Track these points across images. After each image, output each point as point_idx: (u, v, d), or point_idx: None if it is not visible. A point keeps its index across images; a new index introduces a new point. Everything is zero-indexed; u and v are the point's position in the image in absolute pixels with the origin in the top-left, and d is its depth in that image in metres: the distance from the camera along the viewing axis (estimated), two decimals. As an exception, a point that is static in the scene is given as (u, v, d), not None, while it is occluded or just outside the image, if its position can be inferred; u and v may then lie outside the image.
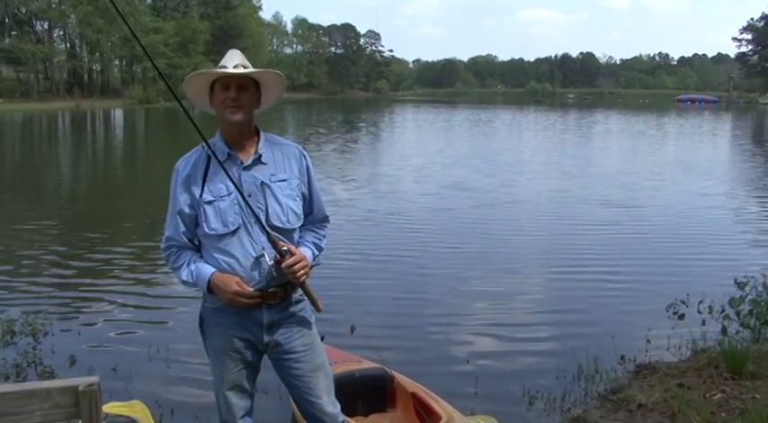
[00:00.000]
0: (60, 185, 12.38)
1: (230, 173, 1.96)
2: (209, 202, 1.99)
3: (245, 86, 2.00)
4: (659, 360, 3.86)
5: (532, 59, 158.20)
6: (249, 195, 1.98)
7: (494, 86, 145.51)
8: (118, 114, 42.49)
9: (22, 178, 13.09)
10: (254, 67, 2.04)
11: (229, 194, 1.99)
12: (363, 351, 3.52)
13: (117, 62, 65.45)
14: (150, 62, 2.04)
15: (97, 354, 4.08)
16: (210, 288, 1.98)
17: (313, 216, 2.16)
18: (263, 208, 2.00)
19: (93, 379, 1.22)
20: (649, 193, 10.74)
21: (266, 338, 2.04)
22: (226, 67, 1.98)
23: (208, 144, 1.99)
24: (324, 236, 2.19)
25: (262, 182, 2.01)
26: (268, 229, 1.96)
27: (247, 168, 2.02)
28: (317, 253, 2.13)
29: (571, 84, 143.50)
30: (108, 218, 8.94)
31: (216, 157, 1.98)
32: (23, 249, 6.86)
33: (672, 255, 6.74)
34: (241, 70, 1.99)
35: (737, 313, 3.97)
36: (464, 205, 9.23)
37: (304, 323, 2.10)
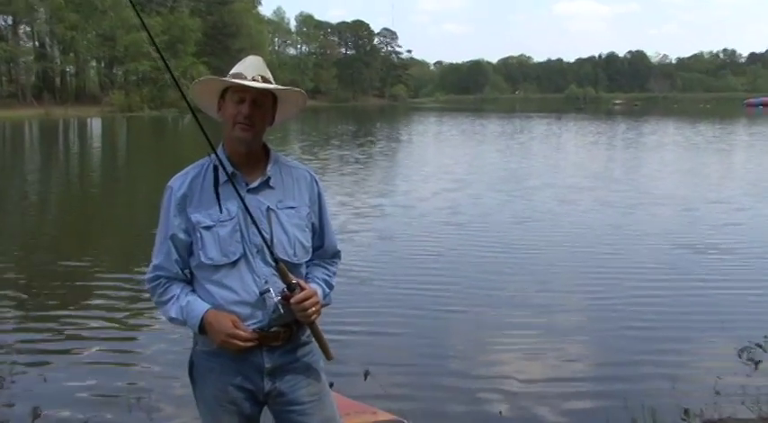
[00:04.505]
0: (26, 208, 12.44)
1: (236, 195, 1.98)
2: (208, 228, 2.01)
3: (261, 102, 2.03)
4: (732, 416, 3.78)
5: (572, 60, 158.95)
6: (252, 222, 2.00)
7: (528, 92, 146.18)
8: (95, 124, 43.28)
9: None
10: None
11: (231, 219, 2.01)
12: (379, 401, 3.51)
13: (94, 64, 66.30)
14: (169, 73, 2.07)
15: (67, 405, 4.06)
16: (203, 328, 1.99)
17: (323, 250, 2.19)
18: (268, 237, 2.01)
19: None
20: (716, 220, 10.60)
21: (267, 387, 2.04)
22: (243, 77, 2.00)
23: (219, 158, 2.01)
24: (334, 273, 2.21)
25: (268, 207, 2.04)
26: (277, 256, 1.98)
27: (253, 191, 2.04)
28: (327, 291, 2.14)
29: (618, 87, 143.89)
30: (83, 245, 9.02)
31: (226, 173, 2.01)
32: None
33: (744, 288, 6.64)
34: (261, 85, 2.00)
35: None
36: (496, 237, 9.18)
37: (311, 370, 2.10)
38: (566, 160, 20.63)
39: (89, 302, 6.25)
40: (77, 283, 6.90)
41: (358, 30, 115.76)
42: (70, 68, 63.07)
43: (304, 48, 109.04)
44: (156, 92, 58.03)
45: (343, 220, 9.84)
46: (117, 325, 5.60)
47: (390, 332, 5.41)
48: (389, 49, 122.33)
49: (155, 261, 2.08)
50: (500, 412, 4.01)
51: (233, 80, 1.99)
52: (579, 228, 9.71)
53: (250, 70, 2.01)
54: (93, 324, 5.60)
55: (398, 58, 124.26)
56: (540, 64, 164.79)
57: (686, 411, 3.87)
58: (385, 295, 6.40)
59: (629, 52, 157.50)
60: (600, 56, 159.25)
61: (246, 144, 2.03)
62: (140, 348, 5.08)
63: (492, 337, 5.32)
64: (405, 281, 6.90)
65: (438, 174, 16.37)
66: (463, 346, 5.14)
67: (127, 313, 5.91)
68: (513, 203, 11.80)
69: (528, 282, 6.85)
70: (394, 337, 5.31)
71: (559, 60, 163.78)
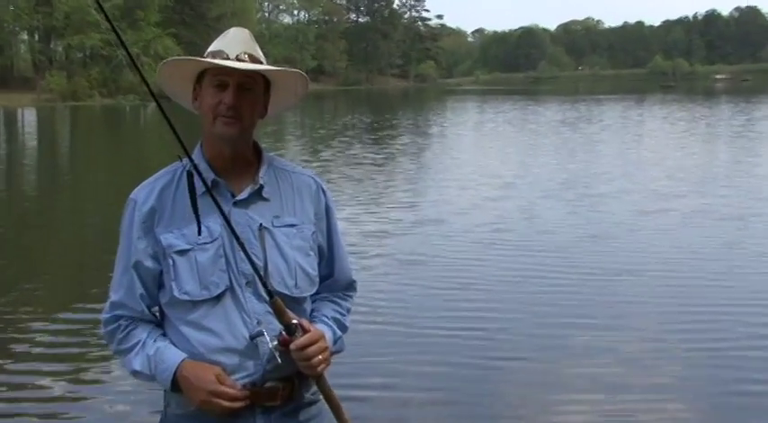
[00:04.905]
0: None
1: (218, 209, 1.99)
2: (183, 253, 2.04)
3: (249, 86, 2.05)
4: None
5: (657, 23, 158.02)
6: (240, 245, 2.01)
7: (597, 67, 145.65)
8: (28, 116, 43.86)
9: None
10: None
11: (213, 241, 2.04)
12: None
13: (25, 37, 66.72)
14: (124, 48, 2.06)
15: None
16: (177, 384, 2.02)
17: (333, 280, 2.22)
18: (261, 264, 2.04)
19: None
20: None
21: (261, 460, 2.07)
22: (225, 56, 2.02)
23: (193, 162, 2.02)
24: (348, 311, 2.24)
25: (260, 226, 2.07)
26: (273, 289, 2.00)
27: (241, 205, 2.07)
28: (338, 334, 2.17)
29: (720, 58, 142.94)
30: (9, 279, 9.01)
31: (204, 181, 2.01)
32: None
33: None
34: (249, 65, 2.02)
35: None
36: (556, 262, 9.07)
37: (319, 438, 2.13)
38: (649, 157, 20.50)
39: (19, 352, 6.26)
40: (4, 329, 6.89)
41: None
42: (-8, 43, 63.34)
43: (303, 14, 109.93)
44: (108, 74, 58.50)
45: (355, 240, 9.88)
46: (60, 382, 5.63)
47: (420, 387, 5.43)
48: (414, 14, 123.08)
49: (113, 297, 2.11)
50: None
51: (212, 60, 2.02)
52: (669, 247, 9.64)
53: (234, 47, 2.04)
54: (25, 381, 5.62)
55: (426, 26, 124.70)
56: (613, 30, 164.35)
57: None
58: (412, 339, 6.41)
59: (737, 9, 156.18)
60: (695, 16, 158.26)
61: (231, 142, 2.06)
62: (92, 413, 5.10)
63: (554, 394, 5.30)
64: (437, 320, 6.90)
65: (478, 178, 16.37)
66: (516, 408, 5.14)
67: (72, 366, 5.95)
68: (578, 216, 11.78)
69: (601, 321, 6.81)
70: (425, 393, 5.32)
71: (640, 24, 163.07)
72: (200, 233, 2.03)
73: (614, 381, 5.54)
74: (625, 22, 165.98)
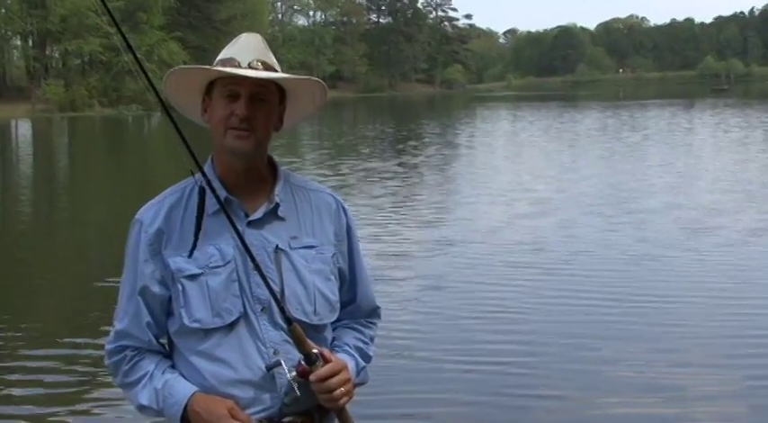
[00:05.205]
0: None
1: (233, 228, 2.01)
2: (193, 277, 2.07)
3: (263, 96, 2.08)
4: None
5: (709, 20, 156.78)
6: (256, 268, 2.03)
7: (640, 69, 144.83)
8: (23, 128, 44.18)
9: None
10: None
11: (225, 265, 2.08)
12: None
13: (18, 42, 66.98)
14: (131, 52, 2.04)
15: None
16: (187, 418, 2.05)
17: (355, 306, 2.26)
18: (277, 289, 2.05)
19: None
20: None
21: None
22: (236, 64, 2.05)
23: (206, 177, 2.04)
24: (371, 339, 2.28)
25: (277, 247, 2.11)
26: (291, 316, 2.03)
27: (255, 225, 2.11)
28: (362, 364, 2.21)
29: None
30: (4, 307, 9.10)
31: (218, 198, 2.04)
32: None
33: None
34: (262, 73, 2.05)
35: None
36: (597, 286, 8.99)
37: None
38: (700, 169, 20.39)
39: (13, 390, 6.31)
40: (3, 364, 6.90)
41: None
42: (-18, 49, 63.98)
43: (319, 15, 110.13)
44: (108, 81, 58.91)
45: (373, 262, 9.83)
46: (58, 419, 5.67)
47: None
48: (440, 14, 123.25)
49: (118, 326, 2.15)
50: None
51: (222, 68, 2.04)
52: (724, 270, 9.55)
53: (245, 54, 2.07)
54: (23, 412, 5.68)
55: (453, 26, 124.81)
56: (659, 28, 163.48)
57: None
58: (437, 373, 6.41)
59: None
60: (752, 11, 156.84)
61: (245, 157, 2.09)
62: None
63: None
64: (463, 352, 6.89)
65: (510, 193, 16.39)
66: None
67: (73, 402, 5.99)
68: (621, 235, 11.71)
69: (646, 354, 6.72)
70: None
71: (689, 21, 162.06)
72: (211, 256, 2.06)
73: (666, 420, 5.50)
74: (672, 20, 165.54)
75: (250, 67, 2.05)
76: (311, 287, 2.12)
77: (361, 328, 2.27)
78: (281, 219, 2.13)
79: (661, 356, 6.68)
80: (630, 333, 7.32)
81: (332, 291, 2.16)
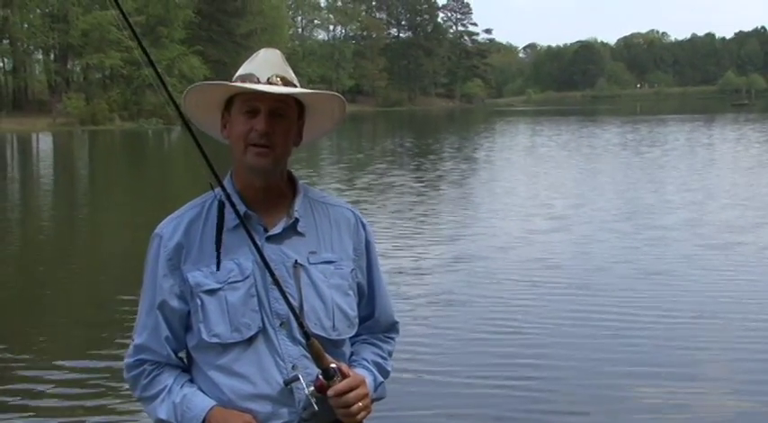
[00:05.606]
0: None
1: (252, 243, 2.03)
2: (212, 292, 2.09)
3: (282, 112, 2.10)
4: None
5: (729, 35, 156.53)
6: (275, 283, 2.05)
7: (661, 84, 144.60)
8: (44, 142, 44.52)
9: None
10: None
11: (244, 280, 2.09)
12: None
13: (40, 56, 67.60)
14: (152, 66, 2.10)
15: None
16: (205, 433, 2.07)
17: (374, 321, 2.27)
18: (296, 304, 2.07)
19: None
20: None
21: None
22: (255, 80, 2.08)
23: (226, 192, 2.05)
24: (390, 354, 2.29)
25: (296, 262, 2.12)
26: (310, 331, 2.04)
27: (274, 240, 2.13)
28: (380, 379, 2.22)
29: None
30: (25, 323, 9.00)
31: (237, 213, 2.06)
32: None
33: None
34: (281, 89, 2.07)
35: None
36: (617, 303, 8.88)
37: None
38: (719, 185, 20.26)
39: (33, 401, 6.31)
40: (9, 379, 6.87)
41: (415, 3, 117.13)
42: (4, 63, 64.53)
43: (339, 30, 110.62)
44: (129, 95, 59.46)
45: (390, 278, 9.87)
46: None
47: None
48: (460, 28, 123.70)
49: (137, 340, 2.18)
50: None
51: (241, 84, 2.07)
52: (745, 286, 9.47)
53: (265, 69, 2.09)
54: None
55: (473, 41, 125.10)
56: (679, 43, 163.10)
57: None
58: (455, 390, 6.39)
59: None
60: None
61: (264, 174, 2.11)
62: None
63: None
64: (481, 369, 6.87)
65: (528, 208, 16.39)
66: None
67: (93, 413, 6.01)
68: (639, 251, 11.65)
69: (668, 370, 6.65)
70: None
71: (710, 36, 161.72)
72: (230, 270, 2.07)
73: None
74: (693, 35, 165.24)
75: (269, 82, 2.07)
76: (330, 302, 2.13)
77: (380, 343, 2.28)
78: (301, 234, 2.15)
79: (679, 372, 6.64)
80: (649, 349, 7.28)
81: (350, 306, 2.18)
